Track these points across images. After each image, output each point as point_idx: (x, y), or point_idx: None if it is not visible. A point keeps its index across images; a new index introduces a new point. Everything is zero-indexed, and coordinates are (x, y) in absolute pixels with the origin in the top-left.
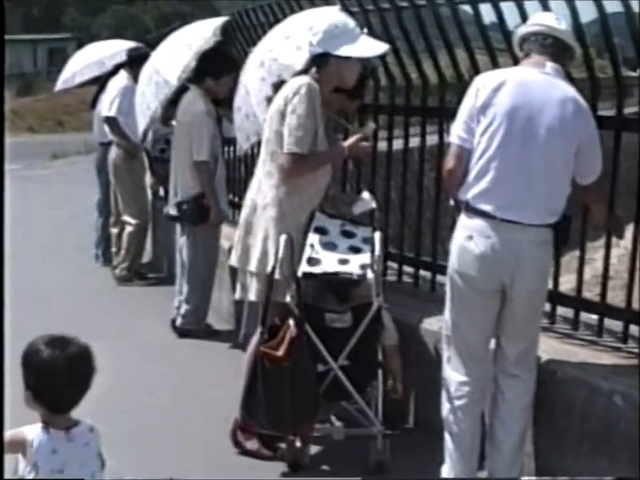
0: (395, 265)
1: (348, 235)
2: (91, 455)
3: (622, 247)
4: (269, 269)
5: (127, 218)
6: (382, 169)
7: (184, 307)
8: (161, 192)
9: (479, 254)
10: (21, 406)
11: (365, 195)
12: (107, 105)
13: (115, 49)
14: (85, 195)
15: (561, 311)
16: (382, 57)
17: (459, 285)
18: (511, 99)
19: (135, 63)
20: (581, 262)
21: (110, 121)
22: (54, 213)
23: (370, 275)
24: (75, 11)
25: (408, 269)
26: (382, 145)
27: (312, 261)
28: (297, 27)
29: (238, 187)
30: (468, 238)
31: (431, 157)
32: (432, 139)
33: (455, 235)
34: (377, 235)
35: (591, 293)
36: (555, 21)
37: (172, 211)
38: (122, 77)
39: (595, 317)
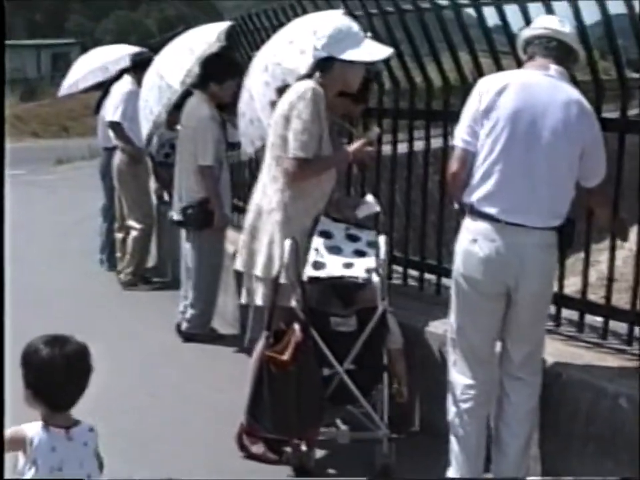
0: (399, 269)
1: (353, 238)
2: (89, 455)
3: (627, 249)
4: (275, 273)
5: (131, 223)
6: (386, 172)
7: (189, 311)
8: (166, 197)
9: (484, 257)
10: (21, 406)
11: (369, 198)
12: (111, 109)
13: (118, 54)
14: (89, 200)
15: (566, 313)
16: (386, 61)
17: (463, 288)
18: (514, 102)
19: (138, 67)
20: (586, 264)
21: (114, 125)
22: (58, 218)
23: (375, 278)
24: (78, 16)
25: (413, 272)
26: (386, 149)
27: (317, 265)
28: (301, 31)
29: (242, 191)
30: (472, 241)
31: (435, 160)
32: (436, 142)
33: (460, 238)
34: (382, 239)
35: (595, 295)
36: (559, 23)
37: (177, 215)
38: (126, 82)
39: (599, 319)
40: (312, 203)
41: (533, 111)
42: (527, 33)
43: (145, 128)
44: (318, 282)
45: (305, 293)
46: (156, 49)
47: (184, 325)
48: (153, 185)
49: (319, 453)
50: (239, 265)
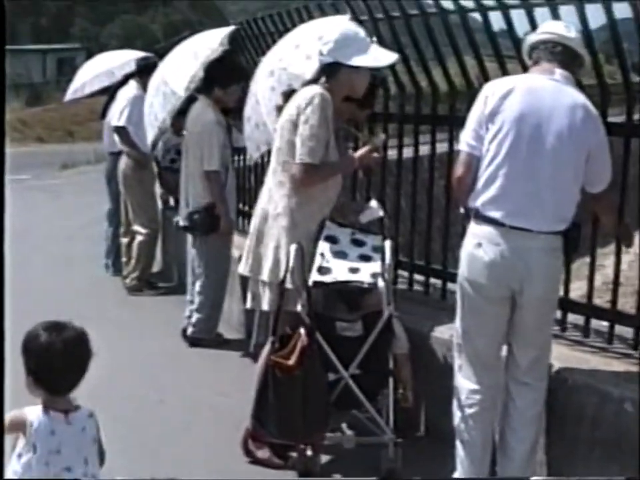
0: (405, 273)
1: (358, 243)
2: (87, 440)
3: (632, 253)
4: (281, 278)
5: (137, 227)
6: (392, 177)
7: (195, 316)
8: (171, 201)
9: (488, 261)
10: (22, 396)
11: (373, 203)
12: (117, 114)
13: (124, 59)
14: (94, 205)
15: (572, 317)
16: (391, 66)
17: (468, 293)
18: (519, 106)
19: (144, 72)
20: (592, 269)
21: (119, 130)
22: (63, 222)
23: (380, 283)
24: (83, 21)
25: (418, 277)
26: (392, 154)
27: (322, 270)
28: (307, 36)
29: (248, 195)
30: (477, 245)
31: (440, 165)
32: (442, 147)
33: (465, 242)
34: (387, 244)
35: (601, 299)
36: (565, 29)
37: (183, 221)
38: (131, 87)
39: (605, 323)
40: (318, 208)
41: (538, 115)
42: (532, 38)
43: (150, 134)
44: (323, 287)
45: (311, 297)
46: (161, 54)
47: (190, 330)
48: (158, 189)
49: (325, 458)
50: (244, 269)
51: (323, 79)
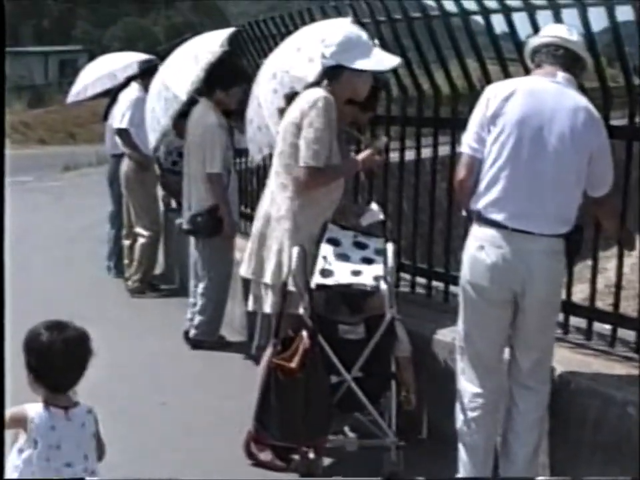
0: (407, 276)
1: (360, 246)
2: (86, 435)
3: (634, 256)
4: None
5: (139, 230)
6: (394, 180)
7: (198, 318)
8: (173, 204)
9: (490, 264)
10: (22, 394)
11: (374, 206)
12: (119, 116)
13: (126, 61)
14: (96, 207)
15: (574, 320)
16: (394, 69)
17: (470, 296)
18: (521, 108)
19: (146, 74)
20: (594, 272)
21: (121, 132)
22: (66, 224)
23: (383, 286)
24: (85, 23)
25: (421, 279)
26: (394, 156)
27: (325, 273)
28: (309, 38)
29: (250, 198)
30: (479, 248)
31: (442, 167)
32: (444, 150)
33: (467, 245)
34: (390, 246)
35: (603, 302)
36: (567, 32)
37: (186, 224)
38: (133, 89)
39: (608, 326)
40: (321, 211)
41: (540, 117)
42: (534, 41)
43: (153, 139)
44: (326, 289)
45: (313, 300)
46: (163, 56)
47: (192, 332)
48: (160, 192)
49: (327, 461)
50: (246, 272)
51: (325, 82)
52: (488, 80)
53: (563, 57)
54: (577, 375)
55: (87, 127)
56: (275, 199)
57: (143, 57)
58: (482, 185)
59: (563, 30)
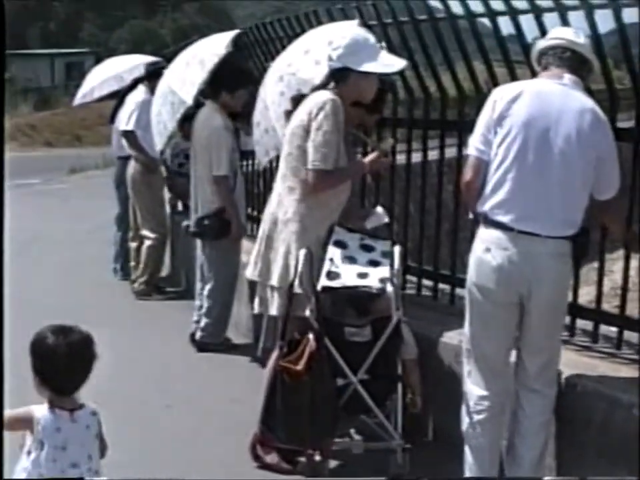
0: (414, 279)
1: (367, 248)
2: (90, 437)
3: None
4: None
5: (145, 232)
6: (400, 182)
7: (204, 321)
8: (180, 206)
9: (496, 266)
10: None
11: (379, 209)
12: (125, 119)
13: (133, 64)
14: (103, 209)
15: (580, 323)
16: (400, 71)
17: (477, 298)
18: (527, 110)
19: (153, 77)
20: (600, 274)
21: (128, 135)
22: (72, 227)
23: (389, 288)
24: (92, 25)
25: (427, 282)
26: (400, 159)
27: (331, 275)
28: (316, 41)
29: (256, 200)
30: (485, 250)
31: (449, 170)
32: (450, 152)
33: (473, 247)
34: (397, 249)
35: (609, 304)
36: (574, 34)
37: (193, 227)
38: (140, 92)
39: (614, 329)
40: (328, 213)
41: (547, 119)
42: (541, 44)
43: (160, 143)
44: (332, 292)
45: (319, 302)
46: (170, 59)
47: (198, 335)
48: (167, 194)
49: (333, 463)
50: (252, 274)
51: (332, 84)
52: (495, 82)
53: (570, 60)
54: (583, 377)
55: (94, 129)
56: (282, 202)
57: (150, 59)
58: (488, 187)
59: (569, 32)
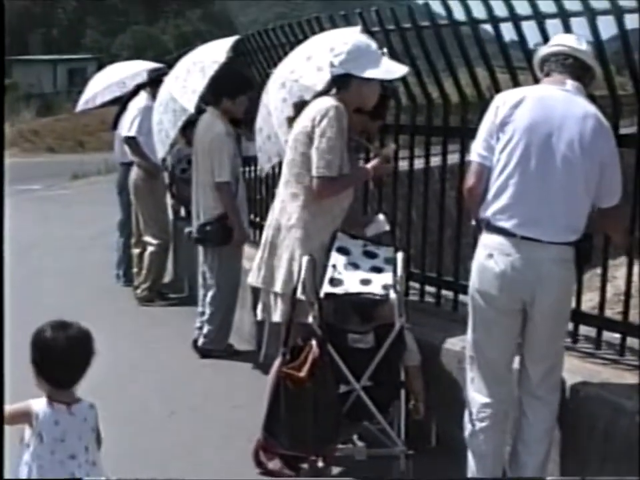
0: (417, 285)
1: (370, 255)
2: (87, 429)
3: None
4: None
5: (148, 238)
6: (403, 188)
7: (206, 327)
8: (182, 212)
9: (499, 272)
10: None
11: (380, 217)
12: (127, 125)
13: (135, 70)
14: (105, 215)
15: (583, 329)
16: (403, 77)
17: (480, 304)
18: (530, 115)
19: (155, 83)
20: (603, 280)
21: (130, 141)
22: (74, 233)
23: (392, 295)
24: (94, 31)
25: (430, 288)
26: (403, 165)
27: (334, 282)
28: (318, 47)
29: (259, 206)
30: (488, 256)
31: (452, 176)
32: (453, 158)
33: (476, 253)
34: (400, 255)
35: (612, 310)
36: (576, 41)
37: (195, 233)
38: (142, 98)
39: (617, 335)
40: (331, 220)
41: (549, 124)
42: (543, 50)
43: (161, 151)
44: (335, 298)
45: (322, 309)
46: (172, 65)
47: (201, 341)
48: (169, 200)
49: (336, 470)
50: (255, 280)
51: (334, 91)
52: (497, 88)
53: (572, 66)
54: (587, 384)
55: (96, 135)
56: (286, 208)
57: (152, 65)
58: (491, 193)
59: (571, 39)
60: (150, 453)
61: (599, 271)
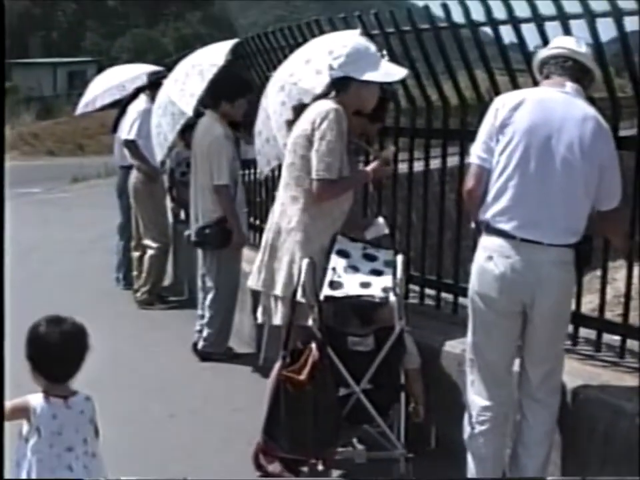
0: (416, 288)
1: (370, 258)
2: (85, 421)
3: None
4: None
5: (147, 241)
6: (403, 191)
7: (206, 331)
8: (182, 215)
9: (499, 274)
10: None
11: (379, 220)
12: (127, 128)
13: (135, 73)
14: (105, 219)
15: (583, 332)
16: (402, 80)
17: (479, 307)
18: (529, 117)
19: (155, 86)
20: (603, 282)
21: (129, 144)
22: (74, 236)
23: (392, 297)
24: (94, 34)
25: (430, 291)
26: (403, 167)
27: (334, 284)
28: (318, 50)
29: (258, 209)
30: (488, 258)
31: (451, 178)
32: (452, 161)
33: (476, 256)
34: (399, 258)
35: (612, 312)
36: (575, 43)
37: (194, 236)
38: (142, 101)
39: (617, 338)
40: (331, 222)
41: (549, 127)
42: (542, 53)
43: (160, 154)
44: (335, 301)
45: (322, 312)
46: (172, 68)
47: (200, 344)
48: (169, 203)
49: (336, 473)
50: (255, 283)
51: (333, 94)
52: (496, 91)
53: (572, 69)
54: (587, 386)
55: (96, 138)
56: (286, 211)
57: (152, 68)
58: (490, 195)
59: (571, 42)
60: (150, 455)
61: (598, 273)
